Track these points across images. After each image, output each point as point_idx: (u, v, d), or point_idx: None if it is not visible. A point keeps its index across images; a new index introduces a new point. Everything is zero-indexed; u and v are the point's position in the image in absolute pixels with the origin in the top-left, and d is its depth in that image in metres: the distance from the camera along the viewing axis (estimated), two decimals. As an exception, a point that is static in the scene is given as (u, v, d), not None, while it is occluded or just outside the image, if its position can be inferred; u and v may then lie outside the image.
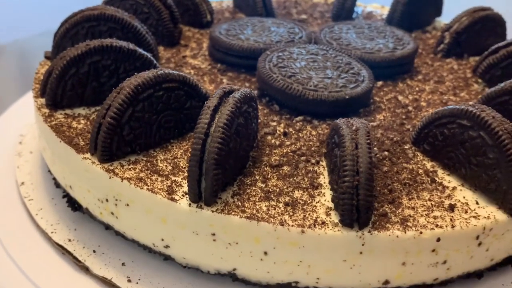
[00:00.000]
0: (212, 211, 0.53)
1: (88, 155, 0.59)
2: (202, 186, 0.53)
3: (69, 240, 0.62)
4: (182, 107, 0.62)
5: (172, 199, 0.54)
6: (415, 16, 0.94)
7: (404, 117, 0.70)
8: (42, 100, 0.68)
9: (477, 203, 0.57)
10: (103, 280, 0.58)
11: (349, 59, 0.74)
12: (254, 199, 0.55)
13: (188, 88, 0.62)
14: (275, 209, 0.54)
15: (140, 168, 0.58)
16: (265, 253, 0.54)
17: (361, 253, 0.53)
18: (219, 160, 0.52)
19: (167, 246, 0.57)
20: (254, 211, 0.53)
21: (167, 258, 0.59)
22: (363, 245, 0.52)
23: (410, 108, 0.72)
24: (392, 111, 0.71)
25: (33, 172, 0.72)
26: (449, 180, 0.60)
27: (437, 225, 0.54)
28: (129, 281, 0.58)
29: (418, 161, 0.62)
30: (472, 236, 0.55)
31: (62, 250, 0.61)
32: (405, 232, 0.53)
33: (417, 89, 0.77)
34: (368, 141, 0.54)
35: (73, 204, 0.65)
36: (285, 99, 0.68)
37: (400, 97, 0.74)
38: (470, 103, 0.62)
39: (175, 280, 0.58)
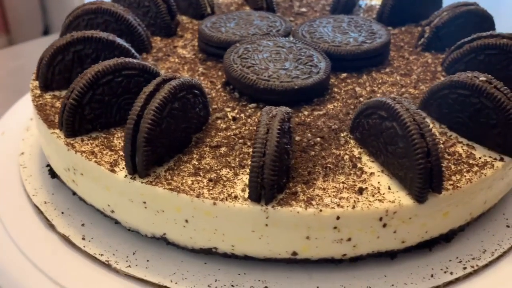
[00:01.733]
0: (142, 182, 0.62)
1: (57, 130, 0.69)
2: (137, 160, 0.62)
3: (45, 202, 0.73)
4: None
5: (113, 171, 0.63)
6: (408, 9, 0.97)
7: (352, 107, 0.75)
8: (37, 82, 0.79)
9: (389, 188, 0.62)
10: (63, 236, 0.68)
11: (313, 52, 0.80)
12: (183, 174, 0.63)
13: (148, 75, 0.70)
14: (198, 183, 0.62)
15: (96, 143, 0.68)
16: (186, 221, 0.62)
17: (266, 225, 0.60)
18: (148, 138, 0.61)
19: (112, 211, 0.67)
20: (179, 184, 0.61)
21: (117, 221, 0.68)
22: (267, 218, 0.59)
23: (362, 99, 0.76)
24: (344, 102, 0.76)
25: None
26: (371, 167, 0.65)
27: (338, 205, 0.59)
28: (83, 239, 0.68)
29: (347, 148, 0.67)
30: (374, 218, 0.60)
31: (38, 210, 0.72)
32: (306, 209, 0.59)
33: (379, 81, 0.81)
34: (279, 127, 0.60)
35: (52, 172, 0.76)
36: (241, 87, 0.75)
37: (358, 89, 0.79)
38: (393, 95, 0.66)
39: (121, 240, 0.67)
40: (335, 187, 0.62)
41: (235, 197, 0.60)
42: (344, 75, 0.82)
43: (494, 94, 0.65)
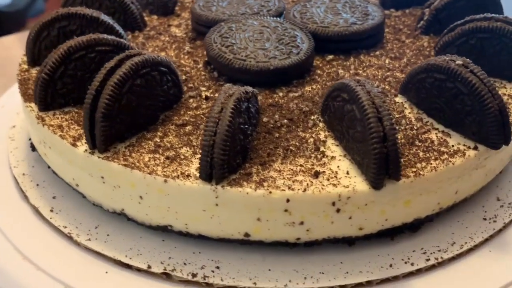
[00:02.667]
0: (99, 157, 0.62)
1: (32, 104, 0.71)
2: (95, 136, 0.63)
3: (23, 174, 0.75)
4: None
5: (74, 145, 0.64)
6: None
7: (330, 89, 0.73)
8: (25, 57, 0.81)
9: (347, 173, 0.60)
10: (34, 208, 0.70)
11: (298, 33, 0.78)
12: (143, 151, 0.63)
13: (122, 52, 0.70)
14: (155, 160, 0.62)
15: (67, 118, 0.69)
16: (141, 197, 0.62)
17: (216, 205, 0.59)
18: (106, 114, 0.61)
19: (77, 185, 0.68)
20: (135, 161, 0.62)
21: (84, 196, 0.69)
22: (216, 197, 0.59)
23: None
24: (323, 84, 0.74)
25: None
26: (334, 151, 0.63)
27: (290, 188, 0.58)
28: (51, 211, 0.69)
29: (314, 131, 0.66)
30: (326, 202, 0.58)
31: (15, 181, 0.74)
32: (255, 191, 0.58)
33: (366, 64, 0.79)
34: (233, 106, 0.59)
35: (33, 145, 0.78)
36: (219, 66, 0.75)
37: (341, 71, 0.77)
38: (358, 78, 0.64)
39: (86, 214, 0.68)
40: (292, 169, 0.60)
41: (188, 175, 0.60)
42: (330, 57, 0.80)
43: (469, 79, 0.62)
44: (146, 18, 0.93)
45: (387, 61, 0.79)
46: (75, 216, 0.68)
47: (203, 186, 0.58)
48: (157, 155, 0.62)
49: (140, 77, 0.64)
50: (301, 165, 0.61)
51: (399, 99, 0.71)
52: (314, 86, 0.74)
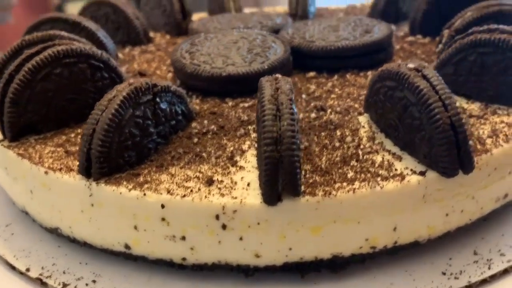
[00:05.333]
0: (3, 146, 0.58)
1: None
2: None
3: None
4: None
5: (-11, 135, 0.61)
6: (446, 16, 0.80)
7: (286, 102, 0.63)
8: None
9: (248, 185, 0.50)
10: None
11: (275, 45, 0.69)
12: (50, 144, 0.58)
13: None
14: (53, 153, 0.56)
15: None
16: (31, 191, 0.56)
17: (92, 205, 0.52)
18: (14, 100, 0.58)
19: (-5, 179, 0.64)
20: (32, 152, 0.57)
21: (8, 192, 0.65)
22: (90, 195, 0.51)
23: (304, 96, 0.64)
24: (284, 97, 0.64)
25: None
26: (249, 161, 0.53)
27: (169, 192, 0.49)
28: (-21, 205, 0.66)
29: (240, 140, 0.56)
30: (208, 214, 0.48)
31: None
32: (129, 191, 0.49)
33: (348, 83, 0.68)
34: (126, 94, 0.52)
35: None
36: (176, 72, 0.70)
37: (313, 87, 0.67)
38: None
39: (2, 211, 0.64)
40: (187, 175, 0.51)
41: (71, 169, 0.53)
42: (311, 74, 0.70)
43: (416, 84, 0.49)
44: (158, 37, 0.90)
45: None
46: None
47: (78, 181, 0.52)
48: (59, 149, 0.57)
49: (62, 67, 0.60)
50: (200, 172, 0.51)
51: (362, 117, 0.59)
52: (270, 99, 0.64)
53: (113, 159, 0.51)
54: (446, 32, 0.72)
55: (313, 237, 0.48)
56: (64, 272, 0.54)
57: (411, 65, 0.51)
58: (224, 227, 0.48)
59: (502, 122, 0.56)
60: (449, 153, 0.47)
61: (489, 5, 0.70)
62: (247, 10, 1.05)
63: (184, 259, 0.51)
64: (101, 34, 0.77)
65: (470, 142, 0.48)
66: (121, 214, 0.51)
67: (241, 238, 0.49)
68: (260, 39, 0.71)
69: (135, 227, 0.51)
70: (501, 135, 0.54)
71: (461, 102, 0.61)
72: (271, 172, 0.46)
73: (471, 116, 0.58)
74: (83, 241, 0.55)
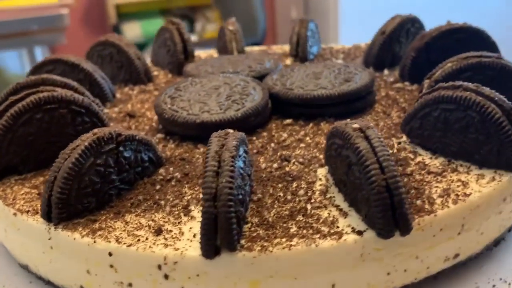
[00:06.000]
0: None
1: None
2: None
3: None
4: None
5: (-22, 171, 0.65)
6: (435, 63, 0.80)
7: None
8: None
9: (194, 236, 0.52)
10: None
11: (254, 92, 0.72)
12: (28, 185, 0.62)
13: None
14: (26, 195, 0.60)
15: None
16: (5, 230, 0.60)
17: (51, 247, 0.55)
18: (-5, 142, 0.62)
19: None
20: (9, 194, 0.61)
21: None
22: (49, 239, 0.55)
23: (273, 145, 0.66)
24: (256, 145, 0.67)
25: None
26: (199, 211, 0.55)
27: (117, 240, 0.52)
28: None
29: (199, 189, 0.59)
30: (151, 264, 0.50)
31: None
32: (82, 238, 0.53)
33: (321, 132, 0.69)
34: (88, 144, 0.55)
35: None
36: (157, 116, 0.72)
37: (284, 135, 0.68)
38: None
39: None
40: (140, 223, 0.54)
41: (36, 212, 0.57)
42: (288, 121, 0.72)
43: (357, 145, 0.51)
44: (162, 75, 0.94)
45: (347, 132, 0.68)
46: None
47: (40, 225, 0.55)
48: (34, 191, 0.61)
49: (42, 112, 0.64)
50: (153, 220, 0.54)
51: (323, 169, 0.60)
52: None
53: (72, 205, 0.54)
54: (426, 83, 0.72)
55: (253, 292, 0.50)
56: (29, 308, 0.58)
57: (355, 125, 0.52)
58: (166, 277, 0.51)
59: (459, 180, 0.57)
60: (384, 215, 0.48)
61: (469, 56, 0.70)
62: (254, 48, 1.08)
63: (133, 304, 0.53)
64: (99, 75, 0.82)
65: (421, 201, 0.48)
66: (75, 258, 0.54)
67: (182, 288, 0.51)
68: (242, 86, 0.73)
69: (88, 271, 0.54)
70: (452, 195, 0.54)
71: (424, 157, 0.61)
72: (208, 227, 0.48)
73: (429, 172, 0.58)
74: (48, 279, 0.58)
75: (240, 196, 0.50)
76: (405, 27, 0.90)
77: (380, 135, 0.51)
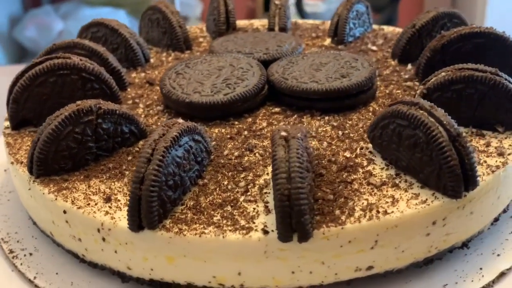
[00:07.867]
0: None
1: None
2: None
3: None
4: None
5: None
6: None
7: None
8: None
9: (133, 209, 0.60)
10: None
11: (251, 77, 0.76)
12: (27, 139, 0.73)
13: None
14: (28, 146, 0.71)
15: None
16: (53, 222, 0.65)
17: (31, 196, 0.66)
18: (15, 99, 0.74)
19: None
20: (17, 143, 0.72)
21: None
22: (29, 189, 0.65)
23: (246, 132, 0.71)
24: (232, 129, 0.72)
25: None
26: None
27: (72, 201, 0.61)
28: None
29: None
30: (92, 226, 0.59)
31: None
32: (48, 193, 0.63)
33: (299, 125, 0.72)
34: (59, 120, 0.63)
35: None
36: (163, 96, 0.78)
37: (264, 124, 0.73)
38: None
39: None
40: (99, 188, 0.63)
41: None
42: (276, 109, 0.76)
43: (274, 153, 0.55)
44: (163, 55, 0.97)
45: (326, 129, 0.71)
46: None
47: (25, 176, 0.66)
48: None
49: (56, 77, 0.73)
50: (110, 188, 0.62)
51: (276, 164, 0.64)
52: (223, 130, 0.72)
53: (50, 165, 0.64)
54: (420, 89, 0.72)
55: (168, 265, 0.57)
56: None
57: (283, 133, 0.56)
58: (103, 239, 0.59)
59: (391, 197, 0.58)
60: (282, 221, 0.53)
61: (464, 68, 0.69)
62: (308, 22, 1.10)
63: (83, 255, 0.63)
64: (134, 40, 0.90)
65: (340, 211, 0.52)
66: (44, 209, 0.64)
67: (115, 251, 0.59)
68: (244, 69, 0.78)
69: (53, 222, 0.64)
70: (374, 211, 0.56)
71: (376, 167, 0.63)
72: (133, 206, 0.55)
73: (369, 184, 0.60)
74: (34, 222, 0.70)
75: (171, 182, 0.57)
76: (439, 22, 0.88)
77: (301, 145, 0.54)
